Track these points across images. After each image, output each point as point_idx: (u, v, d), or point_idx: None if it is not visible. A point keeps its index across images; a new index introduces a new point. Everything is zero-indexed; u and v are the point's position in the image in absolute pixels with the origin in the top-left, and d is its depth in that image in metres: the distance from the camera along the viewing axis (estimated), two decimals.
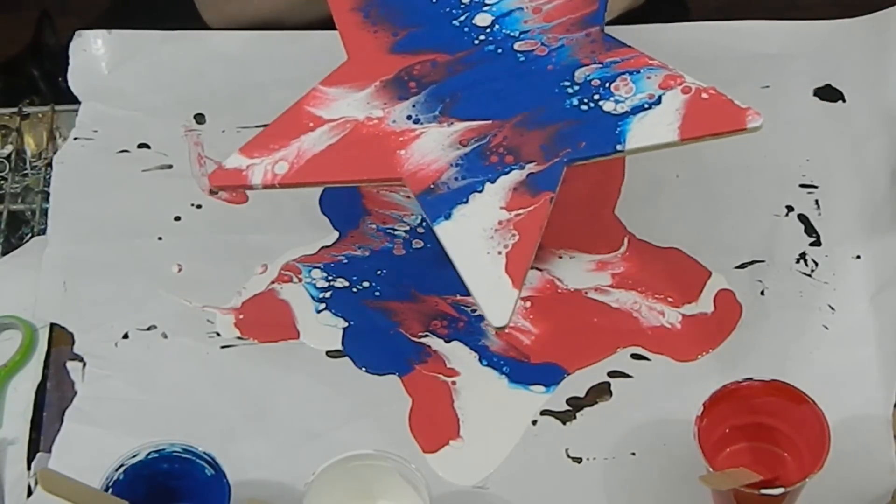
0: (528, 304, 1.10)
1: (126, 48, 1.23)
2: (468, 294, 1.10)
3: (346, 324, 1.10)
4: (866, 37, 1.21)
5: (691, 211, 1.14)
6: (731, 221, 1.14)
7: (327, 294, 1.12)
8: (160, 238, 1.15)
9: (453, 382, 1.07)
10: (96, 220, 1.16)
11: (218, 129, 1.21)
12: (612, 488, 1.02)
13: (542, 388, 1.07)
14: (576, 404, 1.06)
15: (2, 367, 1.09)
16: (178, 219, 1.16)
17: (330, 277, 1.12)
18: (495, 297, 0.94)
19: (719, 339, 1.08)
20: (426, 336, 1.09)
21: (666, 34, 1.24)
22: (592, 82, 1.00)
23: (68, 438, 1.05)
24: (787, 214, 1.14)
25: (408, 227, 1.15)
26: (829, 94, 1.19)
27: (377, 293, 1.11)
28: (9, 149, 1.22)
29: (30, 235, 1.17)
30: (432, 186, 0.98)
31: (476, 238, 0.96)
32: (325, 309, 1.11)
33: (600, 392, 1.06)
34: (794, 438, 0.98)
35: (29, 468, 1.04)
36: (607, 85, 1.00)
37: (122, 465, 0.96)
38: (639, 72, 1.00)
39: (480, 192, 0.97)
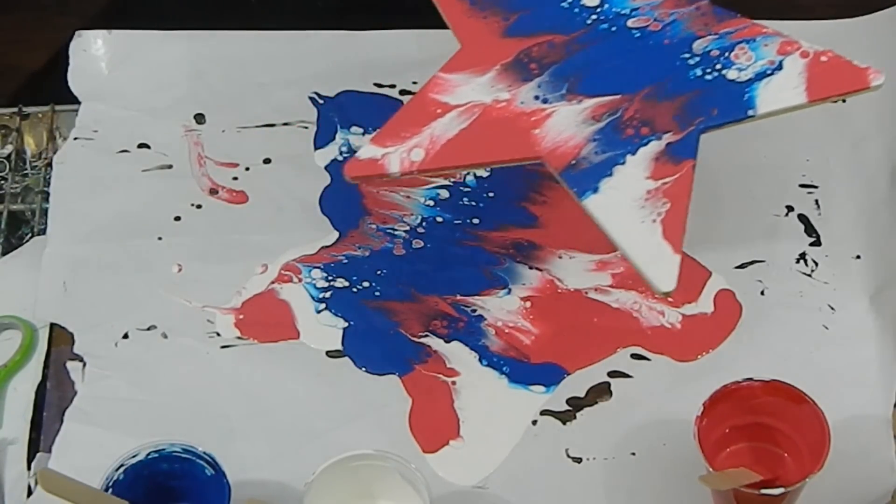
0: (528, 304, 1.10)
1: (126, 48, 1.23)
2: (468, 294, 1.11)
3: (346, 324, 1.10)
4: (866, 37, 1.21)
5: (691, 211, 1.14)
6: (731, 221, 1.14)
7: (327, 294, 1.12)
8: (160, 238, 1.15)
9: (453, 382, 1.07)
10: (96, 220, 1.16)
11: (218, 129, 1.21)
12: (612, 488, 1.02)
13: (542, 388, 1.07)
14: (576, 404, 1.06)
15: (2, 367, 1.09)
16: (178, 219, 1.16)
17: (330, 277, 1.12)
18: (659, 264, 0.94)
19: (719, 339, 1.08)
20: (426, 336, 1.09)
21: None
22: (711, 53, 1.01)
23: (68, 438, 1.05)
24: (787, 214, 1.14)
25: (408, 227, 1.15)
26: None
27: (377, 293, 1.12)
28: (9, 149, 1.22)
29: (30, 235, 1.17)
30: (574, 162, 0.98)
31: (628, 209, 0.96)
32: (325, 309, 1.11)
33: (600, 392, 1.06)
34: (794, 438, 0.98)
35: (29, 468, 1.04)
36: (727, 54, 1.00)
37: (122, 465, 0.96)
38: (755, 40, 1.01)
39: (623, 164, 0.98)
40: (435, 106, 1.00)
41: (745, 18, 1.02)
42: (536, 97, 1.00)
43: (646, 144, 0.98)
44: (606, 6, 1.04)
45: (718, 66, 1.00)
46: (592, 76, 1.01)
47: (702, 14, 1.03)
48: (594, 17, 1.04)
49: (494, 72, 1.01)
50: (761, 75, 1.00)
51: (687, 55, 1.01)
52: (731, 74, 1.00)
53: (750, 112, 0.98)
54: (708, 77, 1.00)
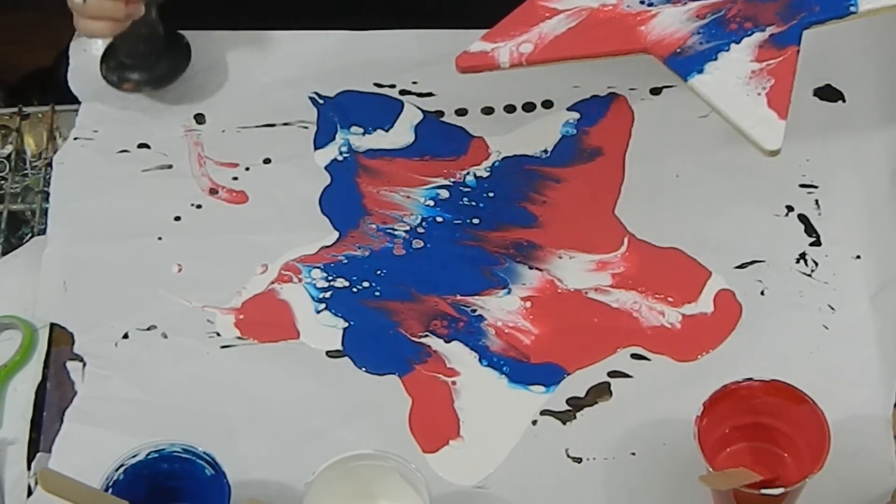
0: (528, 304, 1.10)
1: None
2: (468, 294, 1.11)
3: (346, 324, 1.10)
4: (866, 37, 1.21)
5: (691, 211, 1.14)
6: (731, 221, 1.14)
7: (327, 294, 1.12)
8: (160, 238, 1.15)
9: (453, 382, 1.07)
10: (96, 220, 1.16)
11: (218, 129, 1.21)
12: (612, 488, 1.02)
13: (542, 388, 1.07)
14: (576, 404, 1.06)
15: (2, 367, 1.09)
16: (178, 219, 1.16)
17: (330, 277, 1.12)
18: (764, 126, 0.98)
19: (719, 339, 1.08)
20: (426, 336, 1.09)
21: None
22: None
23: (68, 438, 1.05)
24: (787, 214, 1.14)
25: (408, 227, 1.15)
26: (829, 94, 1.19)
27: (377, 293, 1.12)
28: (9, 149, 1.22)
29: (30, 235, 1.17)
30: (679, 50, 1.02)
31: (733, 85, 1.00)
32: (325, 309, 1.11)
33: (600, 392, 1.06)
34: (794, 438, 0.98)
35: (29, 468, 1.04)
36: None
37: (122, 465, 0.96)
38: None
39: (727, 51, 1.01)
40: (544, 11, 1.03)
41: None
42: (642, 2, 1.03)
43: (750, 35, 1.01)
44: None
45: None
46: None
47: None
48: None
49: None
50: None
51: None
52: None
53: (852, 8, 1.01)
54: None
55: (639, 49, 1.03)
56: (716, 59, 1.00)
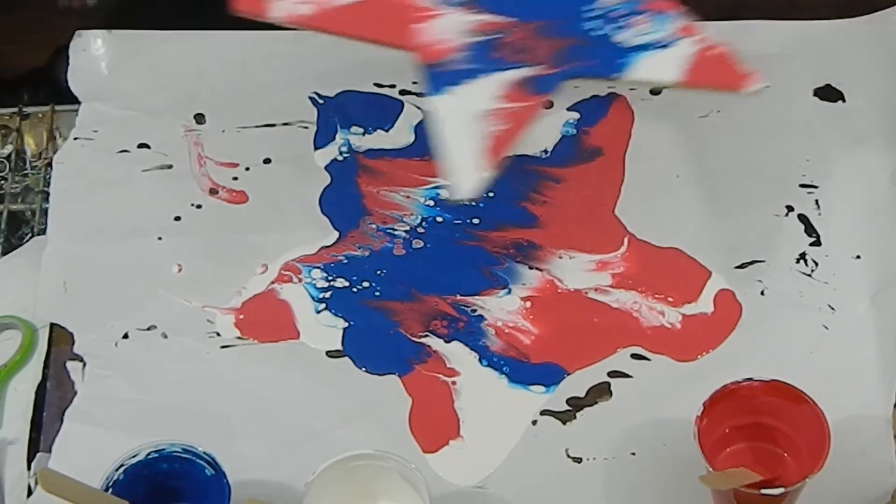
0: (528, 304, 1.10)
1: (126, 48, 1.23)
2: (468, 294, 1.11)
3: (346, 324, 1.10)
4: (866, 37, 1.21)
5: (691, 211, 1.14)
6: (731, 221, 1.14)
7: (327, 294, 1.12)
8: (160, 238, 1.15)
9: (453, 382, 1.07)
10: (96, 220, 1.16)
11: (218, 129, 1.21)
12: (612, 488, 1.02)
13: (542, 388, 1.07)
14: (576, 404, 1.06)
15: (2, 367, 1.09)
16: (178, 219, 1.16)
17: (330, 277, 1.12)
18: (464, 172, 0.97)
19: (719, 339, 1.08)
20: (426, 336, 1.09)
21: None
22: (615, 12, 1.01)
23: (68, 438, 1.05)
24: (787, 214, 1.14)
25: (408, 227, 1.15)
26: (829, 94, 1.19)
27: (377, 293, 1.12)
28: (9, 149, 1.22)
29: (30, 235, 1.17)
30: (439, 62, 1.00)
31: (466, 115, 0.98)
32: (325, 309, 1.11)
33: (600, 392, 1.06)
34: (794, 438, 0.98)
35: (29, 468, 1.04)
36: (628, 19, 1.01)
37: (122, 465, 0.96)
38: (662, 14, 1.01)
39: (483, 77, 1.00)
40: None
41: None
42: None
43: (512, 68, 1.00)
44: None
45: (615, 25, 1.00)
46: None
47: None
48: None
49: None
50: (649, 46, 1.00)
51: (592, 5, 1.01)
52: (623, 36, 1.00)
53: (618, 74, 0.99)
54: (601, 32, 1.00)
55: (405, 46, 1.01)
56: (466, 82, 0.99)
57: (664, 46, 1.00)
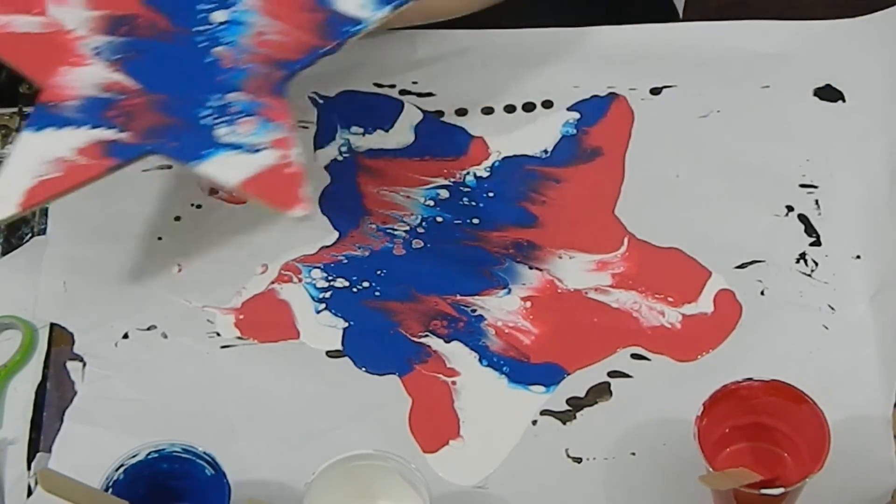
0: (529, 304, 1.10)
1: None
2: (468, 294, 1.11)
3: (346, 324, 1.10)
4: (866, 37, 1.21)
5: (691, 211, 1.14)
6: (731, 221, 1.14)
7: (327, 294, 1.12)
8: (160, 238, 1.15)
9: (453, 382, 1.07)
10: (96, 220, 1.16)
11: None
12: (612, 488, 1.02)
13: (542, 388, 1.07)
14: (576, 404, 1.06)
15: (2, 367, 1.09)
16: (178, 219, 1.16)
17: (330, 277, 1.12)
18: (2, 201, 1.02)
19: (719, 339, 1.08)
20: (426, 336, 1.09)
21: (666, 34, 1.24)
22: (232, 109, 1.05)
23: (68, 438, 1.05)
24: (787, 214, 1.14)
25: (408, 227, 1.15)
26: (829, 94, 1.19)
27: (377, 293, 1.12)
28: (9, 149, 1.22)
29: (30, 235, 1.17)
30: (52, 104, 1.05)
31: (34, 154, 1.03)
32: (325, 309, 1.11)
33: (600, 392, 1.06)
34: (794, 438, 0.98)
35: (29, 468, 1.04)
36: (241, 116, 1.04)
37: (122, 465, 0.96)
38: (269, 122, 1.04)
39: (71, 128, 1.04)
40: (37, 4, 1.07)
41: (286, 108, 1.05)
42: (96, 48, 1.06)
43: (103, 128, 1.04)
44: (222, 27, 1.08)
45: (224, 120, 1.04)
46: (144, 62, 1.07)
47: (267, 77, 1.06)
48: (203, 28, 1.08)
49: (99, 13, 1.07)
50: (236, 146, 1.03)
51: (218, 97, 1.05)
52: (223, 131, 1.03)
53: (192, 162, 1.03)
54: (207, 121, 1.04)
55: (39, 82, 1.05)
56: (58, 127, 1.03)
57: (253, 151, 1.03)
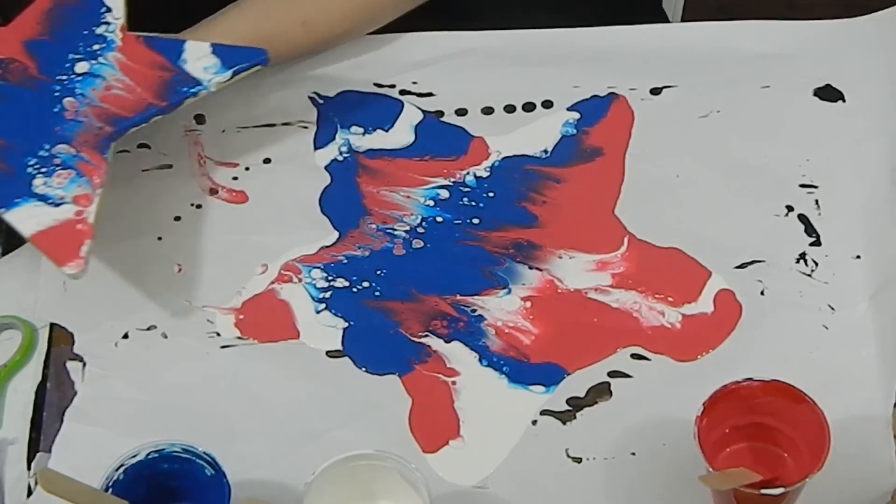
0: (528, 304, 1.10)
1: None
2: (468, 294, 1.11)
3: (346, 324, 1.10)
4: (866, 37, 1.21)
5: (691, 211, 1.14)
6: (731, 221, 1.14)
7: (327, 294, 1.12)
8: (160, 238, 1.15)
9: (453, 382, 1.07)
10: (96, 220, 1.15)
11: (218, 129, 1.21)
12: (612, 488, 1.02)
13: (541, 388, 1.07)
14: (576, 404, 1.06)
15: (2, 367, 1.09)
16: (178, 219, 1.16)
17: (330, 277, 1.12)
18: None
19: (719, 339, 1.08)
20: (426, 336, 1.09)
21: (667, 34, 1.24)
22: (55, 160, 1.07)
23: (68, 438, 1.05)
24: (787, 214, 1.14)
25: (408, 227, 1.15)
26: (829, 94, 1.19)
27: (377, 293, 1.11)
28: None
29: None
30: None
31: None
32: (325, 309, 1.11)
33: (600, 392, 1.06)
34: (794, 438, 0.98)
35: (29, 468, 1.04)
36: (57, 169, 1.07)
37: (122, 465, 0.96)
38: (81, 177, 1.07)
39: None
40: None
41: (103, 162, 1.08)
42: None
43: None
44: (81, 78, 1.11)
45: (45, 170, 1.07)
46: (1, 107, 1.11)
47: (98, 131, 1.09)
48: (64, 77, 1.11)
49: None
50: (44, 198, 1.06)
51: (47, 146, 1.08)
52: (40, 181, 1.06)
53: (3, 210, 1.06)
54: (30, 169, 1.07)
55: None
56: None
57: (56, 204, 1.06)
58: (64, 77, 1.12)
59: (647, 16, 1.34)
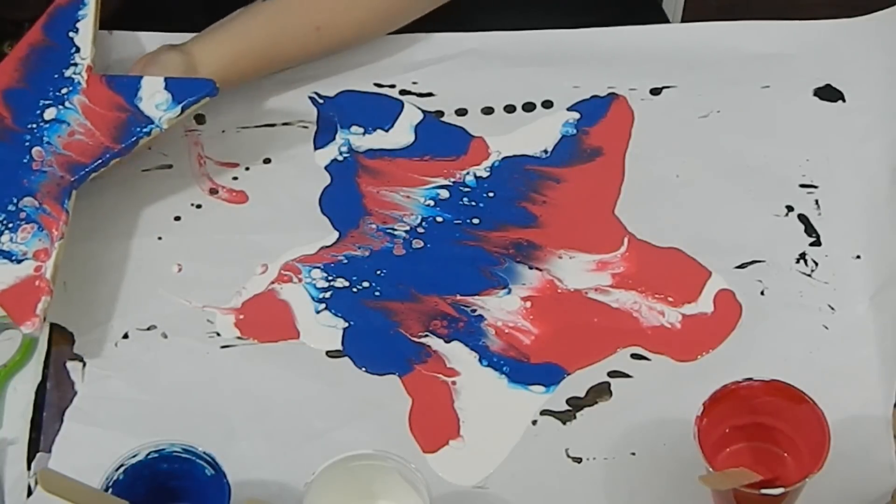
0: (529, 304, 1.10)
1: (126, 50, 1.23)
2: (468, 294, 1.11)
3: (346, 324, 1.10)
4: (866, 37, 1.21)
5: (691, 211, 1.14)
6: (731, 221, 1.14)
7: (327, 294, 1.12)
8: (160, 238, 1.15)
9: (453, 382, 1.07)
10: (96, 220, 1.16)
11: (218, 129, 1.21)
12: (612, 488, 1.02)
13: (541, 388, 1.07)
14: (576, 404, 1.06)
15: (2, 367, 1.09)
16: (178, 219, 1.16)
17: (330, 277, 1.12)
18: None
19: (719, 339, 1.08)
20: (426, 336, 1.09)
21: (667, 34, 1.24)
22: (21, 214, 1.09)
23: (68, 438, 1.05)
24: (787, 214, 1.14)
25: (408, 227, 1.15)
26: (829, 94, 1.19)
27: (377, 293, 1.11)
28: None
29: None
30: None
31: None
32: (325, 309, 1.11)
33: (600, 392, 1.06)
34: (794, 438, 0.98)
35: (29, 468, 1.04)
36: (22, 223, 1.08)
37: (122, 465, 0.96)
38: (42, 230, 1.08)
39: None
40: None
41: (62, 217, 1.08)
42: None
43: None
44: (48, 126, 1.12)
45: (9, 224, 1.08)
46: None
47: (59, 186, 1.09)
48: (33, 125, 1.12)
49: None
50: (3, 254, 1.07)
51: (15, 199, 1.09)
52: (4, 238, 1.08)
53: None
54: (1, 227, 1.09)
55: None
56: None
57: (18, 261, 1.07)
58: (34, 126, 1.12)
59: (647, 16, 1.34)
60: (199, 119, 1.21)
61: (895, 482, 1.00)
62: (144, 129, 1.10)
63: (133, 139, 1.10)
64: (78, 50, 1.14)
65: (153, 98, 1.11)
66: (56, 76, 1.14)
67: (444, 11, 1.22)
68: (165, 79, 1.11)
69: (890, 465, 1.01)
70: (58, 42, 1.15)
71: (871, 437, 1.02)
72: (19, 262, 1.07)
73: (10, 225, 1.09)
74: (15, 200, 1.09)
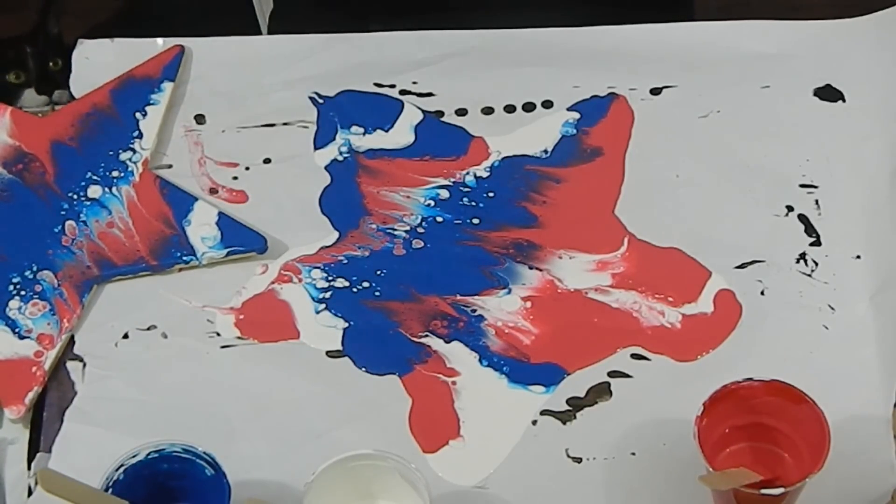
0: (529, 304, 1.10)
1: (127, 56, 1.23)
2: (468, 294, 1.11)
3: (346, 324, 1.10)
4: (866, 37, 1.21)
5: (691, 211, 1.14)
6: (731, 221, 1.14)
7: (327, 294, 1.12)
8: None
9: (453, 382, 1.07)
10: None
11: (218, 129, 1.21)
12: (612, 488, 1.02)
13: (541, 388, 1.07)
14: (576, 404, 1.06)
15: None
16: None
17: (330, 277, 1.12)
18: None
19: (719, 339, 1.08)
20: (426, 336, 1.09)
21: (667, 34, 1.24)
22: (37, 286, 1.10)
23: (68, 438, 1.05)
24: (787, 214, 1.14)
25: (408, 227, 1.15)
26: (829, 94, 1.19)
27: (377, 293, 1.12)
28: None
29: None
30: None
31: None
32: (325, 309, 1.11)
33: (600, 392, 1.06)
34: (794, 438, 0.98)
35: (29, 468, 1.04)
36: (35, 297, 1.09)
37: (122, 465, 0.96)
38: (53, 315, 1.09)
39: None
40: None
41: (77, 308, 1.09)
42: None
43: None
44: (81, 202, 1.13)
45: (21, 291, 1.10)
46: (6, 207, 1.13)
47: (82, 270, 1.10)
48: (73, 195, 1.13)
49: (10, 141, 1.15)
50: (7, 322, 1.08)
51: (34, 266, 1.10)
52: (14, 303, 1.09)
53: None
54: (11, 286, 1.09)
55: None
56: None
57: (21, 336, 1.07)
58: (74, 196, 1.12)
59: (672, 7, 1.34)
60: (199, 119, 1.21)
61: (895, 482, 1.00)
62: (185, 258, 1.11)
63: (171, 262, 1.11)
64: (140, 136, 1.14)
65: (202, 229, 1.11)
66: (111, 153, 1.14)
67: (444, 11, 1.22)
68: (219, 213, 1.12)
69: (890, 465, 1.01)
70: (122, 117, 1.15)
71: (871, 437, 1.02)
72: (22, 338, 1.07)
73: (23, 293, 1.09)
74: (35, 268, 1.10)
